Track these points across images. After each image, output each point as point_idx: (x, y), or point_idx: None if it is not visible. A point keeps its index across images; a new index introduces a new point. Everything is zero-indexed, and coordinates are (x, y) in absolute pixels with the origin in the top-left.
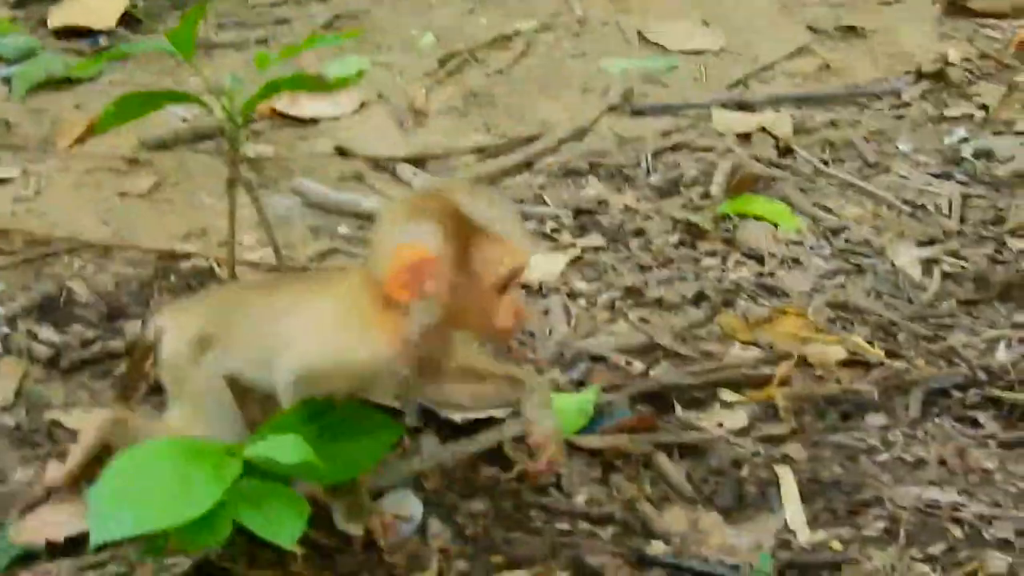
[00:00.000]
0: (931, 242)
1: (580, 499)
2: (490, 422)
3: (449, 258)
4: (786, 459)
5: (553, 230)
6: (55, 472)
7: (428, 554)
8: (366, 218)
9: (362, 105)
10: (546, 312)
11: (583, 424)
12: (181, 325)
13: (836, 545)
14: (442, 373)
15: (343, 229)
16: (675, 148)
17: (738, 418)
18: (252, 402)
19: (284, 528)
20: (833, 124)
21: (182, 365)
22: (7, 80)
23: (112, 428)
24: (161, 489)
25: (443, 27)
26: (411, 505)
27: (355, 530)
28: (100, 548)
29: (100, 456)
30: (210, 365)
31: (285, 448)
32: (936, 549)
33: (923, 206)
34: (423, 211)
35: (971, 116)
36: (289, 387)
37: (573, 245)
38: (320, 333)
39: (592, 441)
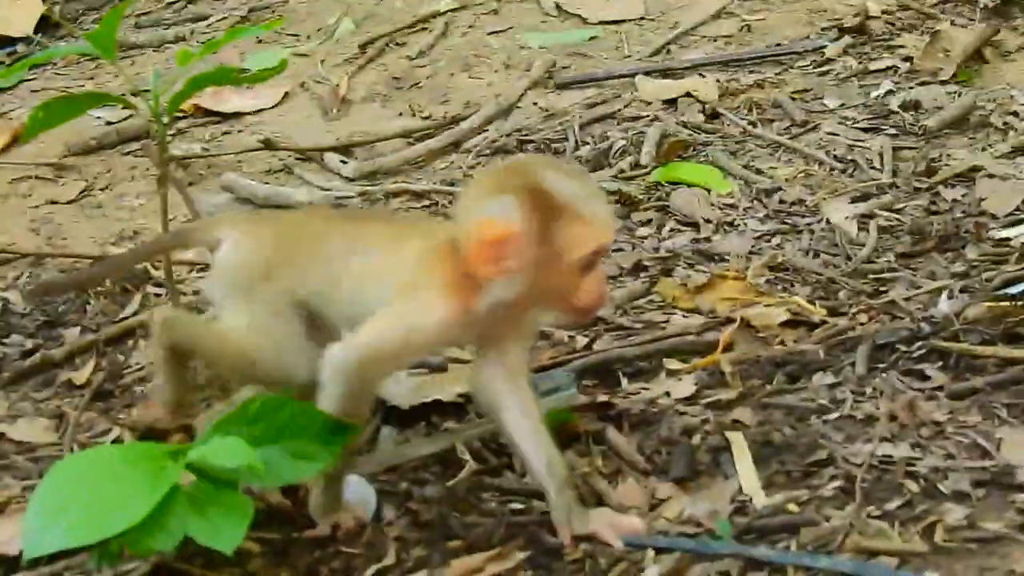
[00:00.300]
0: (865, 197)
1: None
2: (437, 406)
3: (532, 235)
4: (736, 424)
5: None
6: (148, 413)
7: (385, 543)
8: (291, 208)
9: (285, 96)
10: None
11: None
12: (252, 238)
13: (792, 507)
14: (504, 352)
15: None
16: (601, 119)
17: (685, 386)
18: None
19: (224, 533)
20: (758, 85)
21: (250, 279)
22: None
23: (175, 326)
24: (95, 500)
25: (361, 13)
26: (366, 493)
27: (324, 523)
28: (54, 558)
29: (182, 369)
30: (281, 286)
31: (227, 451)
32: (893, 505)
33: (854, 162)
34: (507, 186)
35: (896, 68)
36: (350, 367)
37: None
38: (391, 302)
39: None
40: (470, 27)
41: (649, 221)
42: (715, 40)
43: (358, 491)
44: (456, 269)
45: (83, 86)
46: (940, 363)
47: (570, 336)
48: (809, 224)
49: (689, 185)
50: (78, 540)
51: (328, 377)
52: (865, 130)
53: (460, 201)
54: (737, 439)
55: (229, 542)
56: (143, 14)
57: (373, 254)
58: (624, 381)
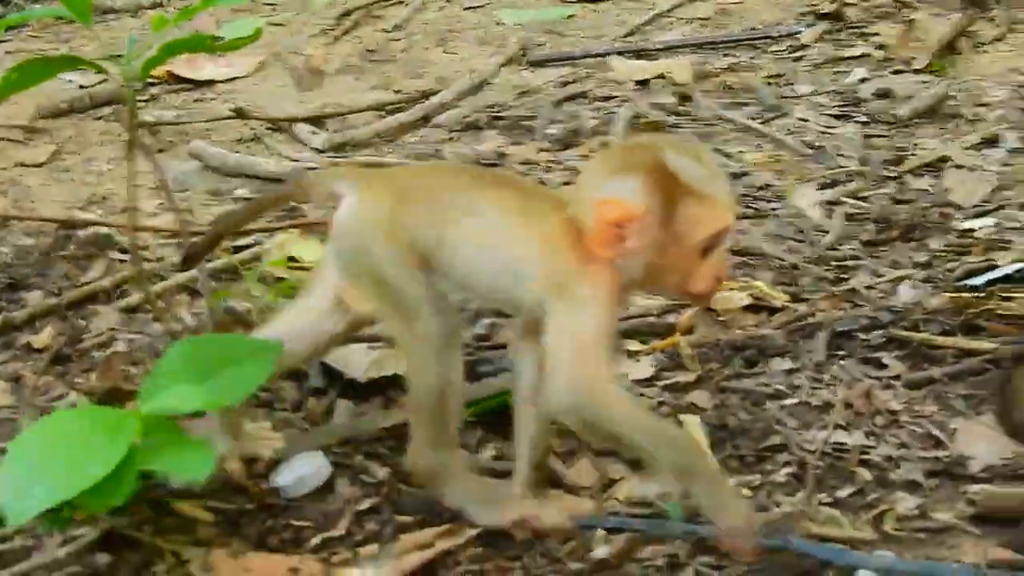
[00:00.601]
0: (832, 184)
1: (487, 455)
2: (394, 381)
3: (654, 216)
4: (692, 407)
5: None
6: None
7: (337, 514)
8: (266, 179)
9: (260, 66)
10: None
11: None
12: (373, 194)
13: (745, 492)
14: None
15: (242, 191)
16: (574, 98)
17: (643, 368)
18: None
19: (193, 465)
20: (732, 69)
21: (369, 244)
22: None
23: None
24: (66, 458)
25: None
26: (319, 465)
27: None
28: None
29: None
30: (406, 243)
31: (181, 399)
32: (844, 492)
33: (823, 148)
34: (629, 165)
35: (869, 56)
36: (582, 401)
37: None
38: (546, 302)
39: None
40: (447, 2)
41: None
42: (691, 22)
43: (311, 462)
44: (581, 251)
45: (58, 49)
46: (899, 352)
47: None
48: (775, 209)
49: None
50: (59, 496)
51: (570, 420)
52: (836, 117)
53: (582, 178)
54: (693, 422)
55: (200, 470)
56: None
57: (499, 224)
58: None
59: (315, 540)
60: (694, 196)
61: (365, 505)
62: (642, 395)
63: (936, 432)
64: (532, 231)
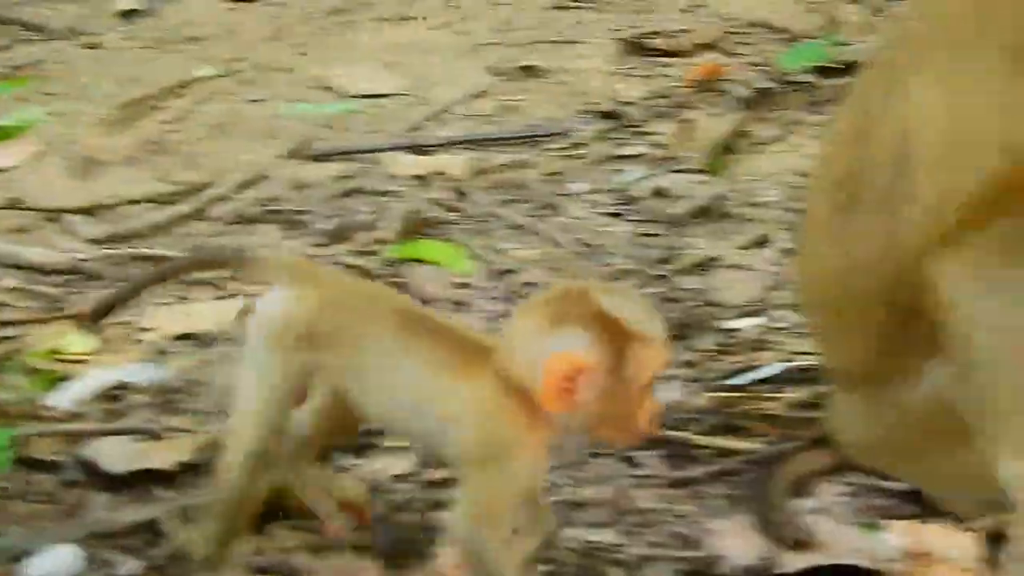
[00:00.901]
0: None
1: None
2: (151, 474)
3: (603, 365)
4: (447, 504)
5: (221, 279)
6: None
7: None
8: (35, 270)
9: (36, 155)
10: (215, 361)
11: None
12: (303, 297)
13: None
14: None
15: (10, 281)
16: (350, 193)
17: (402, 463)
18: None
19: None
20: (509, 166)
21: (286, 339)
22: None
23: None
24: None
25: (121, 74)
26: (70, 557)
27: None
28: None
29: None
30: (316, 358)
31: None
32: None
33: (596, 246)
34: (570, 316)
35: (646, 155)
36: (476, 537)
37: (239, 294)
38: (472, 459)
39: None
40: (229, 94)
41: None
42: (472, 118)
43: (62, 555)
44: (521, 408)
45: None
46: (660, 451)
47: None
48: None
49: (428, 262)
50: None
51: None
52: (610, 215)
53: (514, 333)
54: (446, 519)
55: None
56: None
57: (429, 373)
58: (336, 457)
59: None
60: (638, 339)
61: None
62: (397, 491)
63: (690, 532)
64: (467, 392)
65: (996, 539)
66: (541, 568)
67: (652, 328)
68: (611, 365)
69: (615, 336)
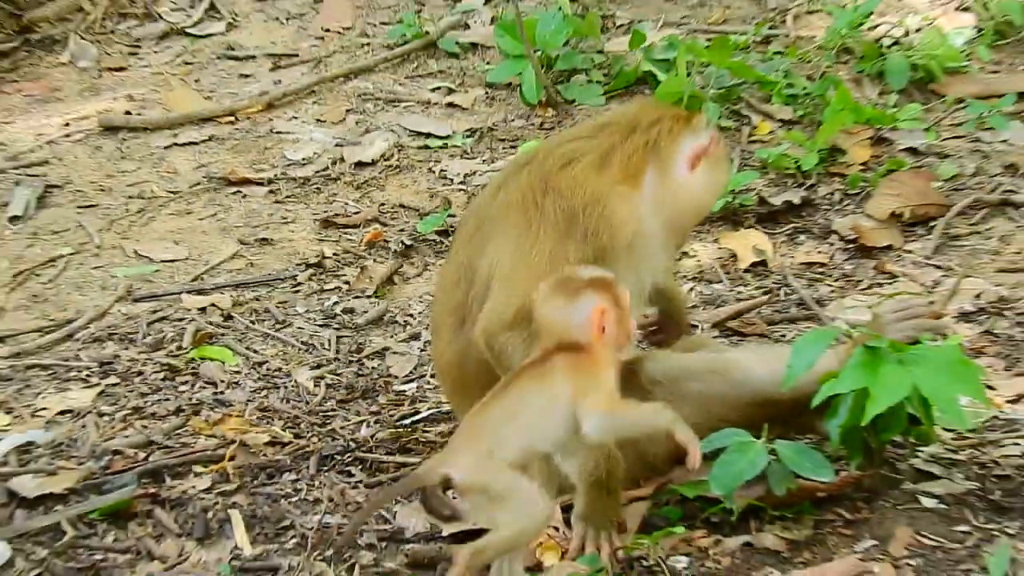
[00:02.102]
0: (319, 366)
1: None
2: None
3: (610, 305)
4: (235, 505)
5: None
6: None
7: None
8: None
9: None
10: (84, 425)
11: None
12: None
13: (272, 556)
14: None
15: None
16: (160, 320)
17: (205, 482)
18: None
19: None
20: (256, 299)
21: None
22: None
23: None
24: None
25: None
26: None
27: None
28: None
29: None
30: None
31: None
32: (329, 552)
33: (314, 344)
34: (576, 288)
35: (340, 288)
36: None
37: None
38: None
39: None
40: (81, 264)
41: (187, 382)
42: (230, 271)
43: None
44: (596, 362)
45: None
46: (361, 467)
47: (135, 452)
48: (284, 383)
49: (213, 360)
50: None
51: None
52: (321, 325)
53: (545, 317)
54: (235, 514)
55: None
56: None
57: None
58: (168, 479)
59: None
60: (613, 284)
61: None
62: (204, 498)
63: (380, 513)
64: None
65: None
66: (294, 540)
67: (613, 275)
68: (612, 304)
69: (604, 287)
